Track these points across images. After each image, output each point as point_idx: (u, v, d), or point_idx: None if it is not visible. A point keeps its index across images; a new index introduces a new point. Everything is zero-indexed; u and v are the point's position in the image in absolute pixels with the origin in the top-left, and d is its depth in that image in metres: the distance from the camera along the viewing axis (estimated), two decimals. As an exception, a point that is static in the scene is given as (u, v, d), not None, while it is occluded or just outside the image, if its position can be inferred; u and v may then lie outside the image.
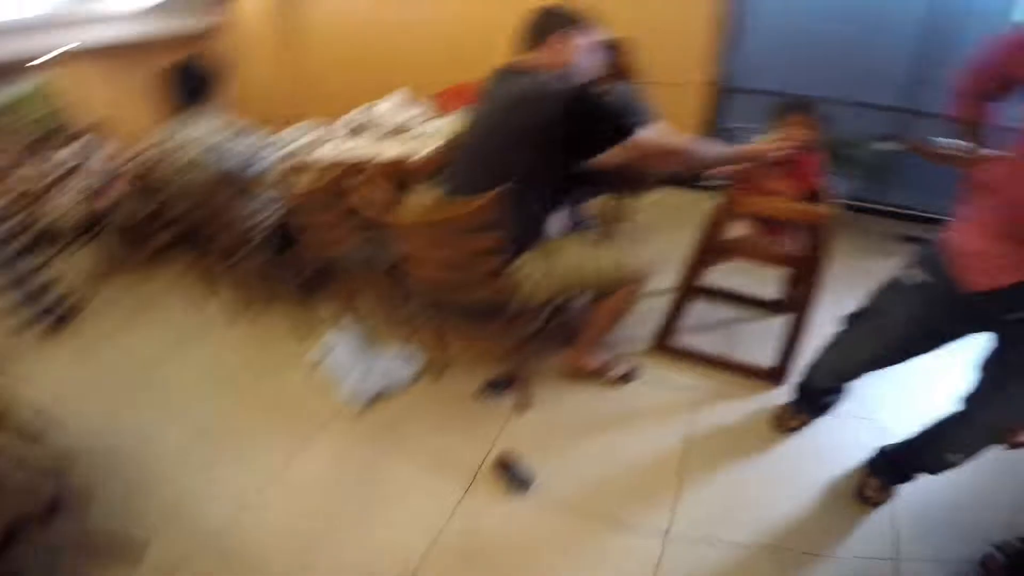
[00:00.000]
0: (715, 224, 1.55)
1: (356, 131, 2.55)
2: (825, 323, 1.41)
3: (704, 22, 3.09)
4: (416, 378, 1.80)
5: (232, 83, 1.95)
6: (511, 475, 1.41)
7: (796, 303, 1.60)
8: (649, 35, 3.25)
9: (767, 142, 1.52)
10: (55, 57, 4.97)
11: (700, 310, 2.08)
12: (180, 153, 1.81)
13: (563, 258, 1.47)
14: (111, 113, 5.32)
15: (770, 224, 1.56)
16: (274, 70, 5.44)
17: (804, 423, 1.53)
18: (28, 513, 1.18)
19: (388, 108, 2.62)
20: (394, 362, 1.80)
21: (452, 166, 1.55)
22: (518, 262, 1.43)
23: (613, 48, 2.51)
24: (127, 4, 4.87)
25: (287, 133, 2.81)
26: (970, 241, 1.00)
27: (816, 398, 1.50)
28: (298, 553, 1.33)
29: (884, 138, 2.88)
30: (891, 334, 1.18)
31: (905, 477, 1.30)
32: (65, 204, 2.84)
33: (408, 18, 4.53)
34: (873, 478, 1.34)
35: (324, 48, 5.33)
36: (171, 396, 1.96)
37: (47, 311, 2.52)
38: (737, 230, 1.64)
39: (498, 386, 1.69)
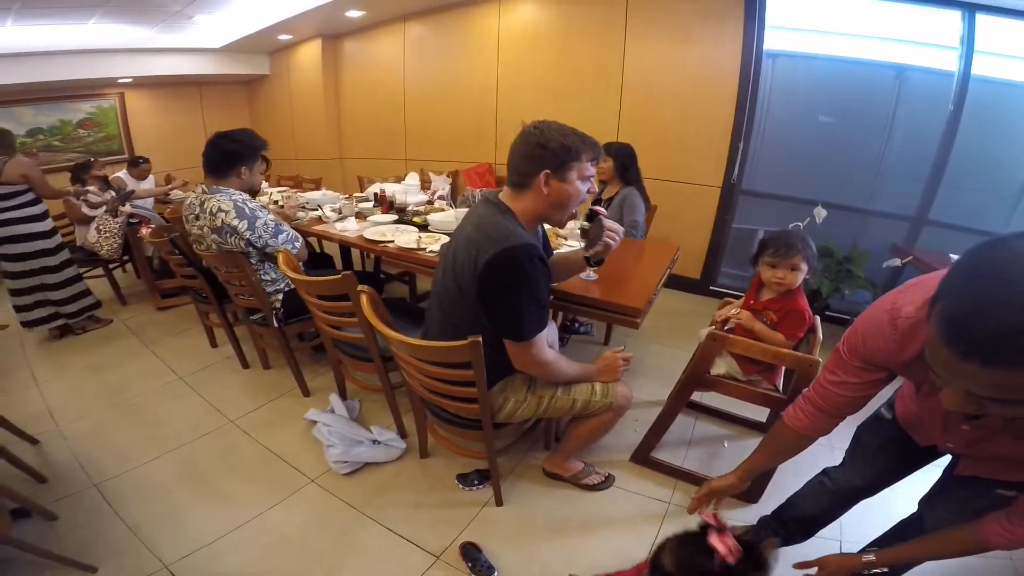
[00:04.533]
0: (702, 359, 1.56)
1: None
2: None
3: (723, 131, 3.23)
4: (401, 454, 1.87)
5: (262, 165, 2.06)
6: (474, 562, 1.43)
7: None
8: (677, 142, 3.39)
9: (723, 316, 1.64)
10: (115, 85, 5.37)
11: (685, 424, 2.07)
12: (205, 220, 1.90)
13: (549, 387, 1.47)
14: (164, 147, 5.71)
15: (756, 362, 1.55)
16: (319, 125, 5.75)
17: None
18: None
19: (399, 189, 2.72)
20: (383, 436, 1.88)
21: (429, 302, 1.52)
22: (501, 384, 1.45)
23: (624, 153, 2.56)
24: (193, 41, 5.28)
25: (308, 196, 2.96)
26: (905, 403, 1.04)
27: (786, 527, 1.42)
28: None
29: (894, 251, 2.81)
30: (864, 464, 1.20)
31: None
32: (102, 233, 3.03)
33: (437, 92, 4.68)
34: None
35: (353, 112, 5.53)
36: (166, 430, 2.04)
37: (72, 315, 2.77)
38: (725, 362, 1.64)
39: (473, 479, 1.73)
